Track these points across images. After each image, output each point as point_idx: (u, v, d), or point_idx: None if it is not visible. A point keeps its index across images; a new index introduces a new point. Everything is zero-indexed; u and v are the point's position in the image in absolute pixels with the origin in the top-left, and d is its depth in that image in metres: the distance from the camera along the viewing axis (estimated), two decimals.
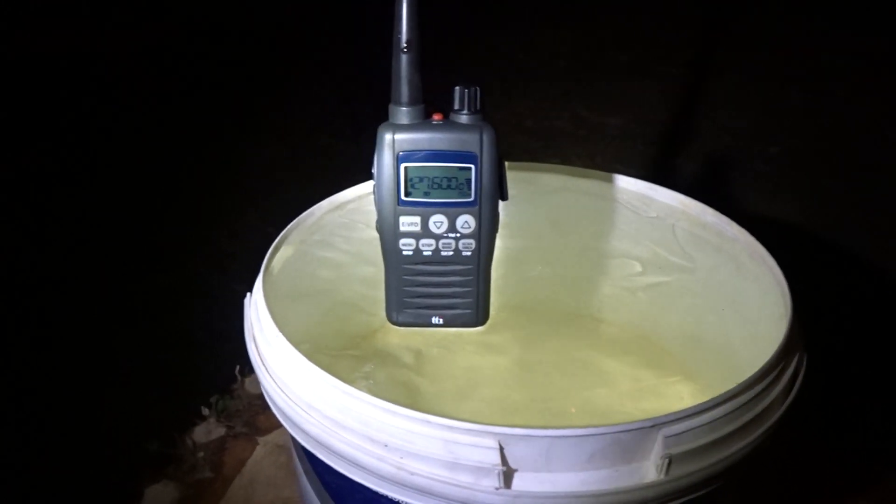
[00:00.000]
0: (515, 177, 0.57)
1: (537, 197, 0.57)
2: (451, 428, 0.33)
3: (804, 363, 0.40)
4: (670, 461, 0.33)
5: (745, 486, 0.45)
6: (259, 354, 0.41)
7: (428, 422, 0.33)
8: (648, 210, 0.56)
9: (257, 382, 0.78)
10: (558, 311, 0.45)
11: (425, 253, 0.39)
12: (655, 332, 0.43)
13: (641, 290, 0.47)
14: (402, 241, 0.39)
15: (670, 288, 0.47)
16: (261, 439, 0.70)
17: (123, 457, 0.71)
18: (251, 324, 0.43)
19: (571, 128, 1.32)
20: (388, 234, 0.39)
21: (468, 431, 0.33)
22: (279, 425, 0.72)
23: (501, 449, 0.33)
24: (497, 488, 0.33)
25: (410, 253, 0.39)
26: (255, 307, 0.43)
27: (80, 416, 0.78)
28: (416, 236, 0.39)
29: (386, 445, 0.34)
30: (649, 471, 0.33)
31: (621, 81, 1.42)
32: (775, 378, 0.37)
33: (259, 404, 0.74)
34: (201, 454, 0.68)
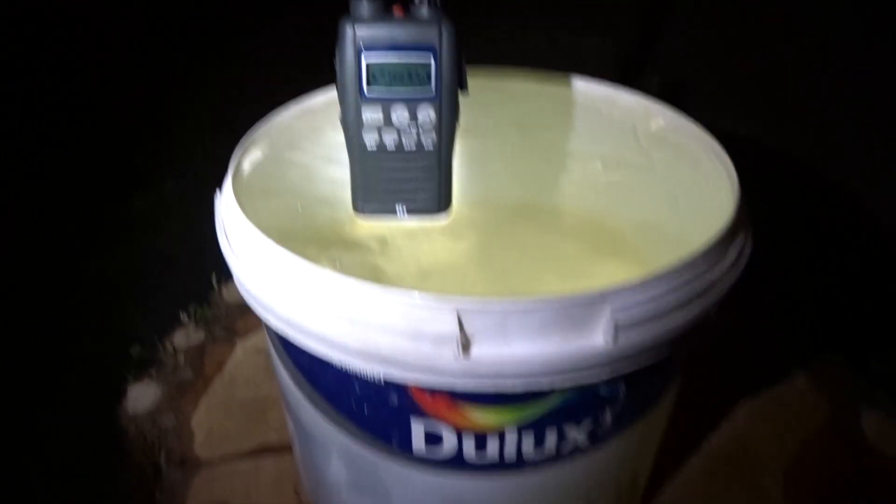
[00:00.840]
0: (484, 83, 0.58)
1: (505, 101, 0.59)
2: (412, 301, 0.35)
3: (747, 247, 0.43)
4: (617, 330, 0.36)
5: (694, 360, 0.49)
6: (230, 245, 0.42)
7: (391, 295, 0.35)
8: (612, 112, 0.57)
9: (234, 291, 0.81)
10: (520, 205, 0.47)
11: (388, 145, 0.40)
12: (613, 222, 0.45)
13: (601, 186, 0.49)
14: (366, 133, 0.40)
15: (629, 184, 0.49)
16: (239, 343, 0.73)
17: (107, 362, 0.74)
18: (222, 219, 0.44)
19: (545, 45, 1.31)
20: (352, 127, 0.41)
21: (428, 304, 0.35)
22: (257, 329, 0.75)
23: (460, 320, 0.35)
24: (456, 356, 0.35)
25: (374, 145, 0.40)
26: (225, 202, 0.44)
27: (66, 327, 0.80)
28: (379, 129, 0.40)
29: (352, 321, 0.36)
30: (598, 340, 0.36)
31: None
32: (719, 257, 0.40)
33: (236, 311, 0.77)
34: (182, 357, 0.70)
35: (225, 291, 0.79)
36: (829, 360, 0.72)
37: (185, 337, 0.73)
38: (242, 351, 0.71)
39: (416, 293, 0.35)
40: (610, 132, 0.55)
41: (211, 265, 0.82)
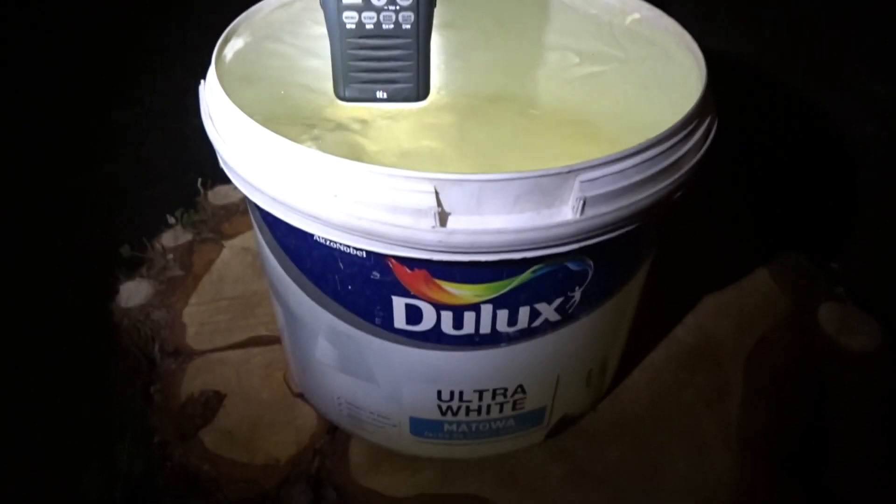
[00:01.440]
0: None
1: None
2: (392, 176, 0.37)
3: (712, 131, 0.45)
4: (584, 203, 0.38)
5: (661, 251, 0.51)
6: (215, 128, 0.44)
7: (372, 171, 0.37)
8: (588, 7, 0.58)
9: (220, 194, 0.82)
10: (498, 94, 0.48)
11: (367, 26, 0.41)
12: (587, 111, 0.47)
13: (577, 77, 0.51)
14: (345, 13, 0.41)
15: (603, 75, 0.51)
16: (227, 243, 0.74)
17: (98, 261, 0.76)
18: (207, 105, 0.46)
19: None
20: (331, 8, 0.41)
21: (407, 178, 0.37)
22: (243, 230, 0.77)
23: (437, 193, 0.37)
24: (433, 227, 0.37)
25: (353, 26, 0.41)
26: (209, 87, 0.45)
27: (54, 232, 0.82)
28: (358, 9, 0.41)
29: (335, 195, 0.38)
30: (566, 212, 0.38)
31: None
32: (684, 137, 0.42)
33: (223, 214, 0.78)
34: (171, 256, 0.72)
35: (211, 195, 0.80)
36: (791, 258, 0.75)
37: (173, 238, 0.74)
38: (230, 250, 0.74)
39: (396, 169, 0.37)
40: (587, 27, 0.56)
41: (196, 171, 0.83)
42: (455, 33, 0.53)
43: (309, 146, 0.39)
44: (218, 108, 0.44)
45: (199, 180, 0.81)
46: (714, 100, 0.46)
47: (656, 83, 0.50)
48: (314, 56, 0.50)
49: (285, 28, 0.54)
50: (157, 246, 0.73)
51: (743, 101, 0.71)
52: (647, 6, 0.56)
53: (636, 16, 0.56)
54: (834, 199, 0.78)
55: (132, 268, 0.72)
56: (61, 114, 1.02)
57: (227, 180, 0.46)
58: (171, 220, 0.78)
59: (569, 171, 0.38)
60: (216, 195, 0.80)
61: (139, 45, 1.08)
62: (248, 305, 0.68)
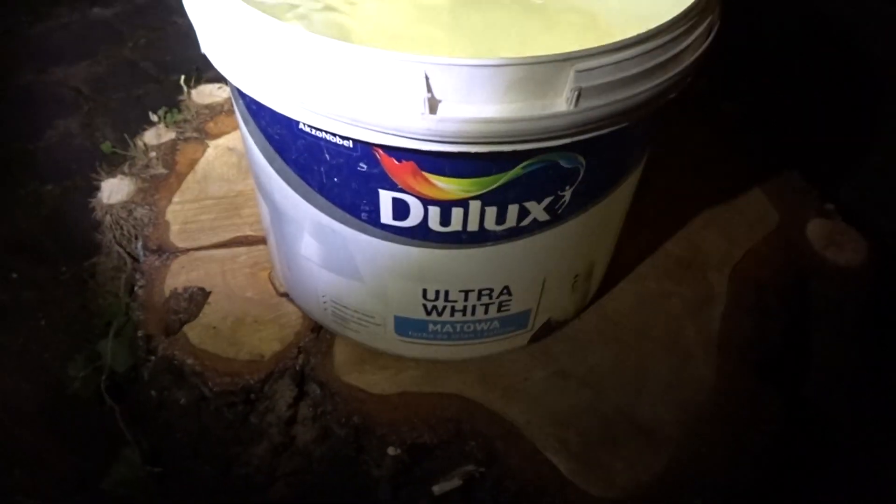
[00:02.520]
0: None
1: None
2: (381, 59, 0.35)
3: (713, 29, 0.43)
4: (579, 94, 0.37)
5: (657, 164, 0.50)
6: (198, 10, 0.42)
7: (360, 53, 0.36)
8: None
9: (204, 94, 0.79)
10: None
11: None
12: (596, 8, 0.45)
13: None
14: None
15: None
16: (211, 143, 0.73)
17: (79, 160, 0.74)
18: None
19: None
20: None
21: (397, 62, 0.35)
22: (228, 130, 0.75)
23: (427, 78, 0.36)
24: (422, 113, 0.36)
25: None
26: None
27: (39, 133, 0.80)
28: None
29: (322, 80, 0.37)
30: (560, 103, 0.37)
31: None
32: (684, 32, 0.40)
33: (207, 114, 0.76)
34: (153, 154, 0.71)
35: (195, 94, 0.78)
36: (784, 174, 0.75)
37: (155, 136, 0.72)
38: (214, 150, 0.72)
39: (384, 51, 0.35)
40: None
41: (179, 72, 0.81)
42: None
43: (295, 25, 0.37)
44: None
45: (183, 78, 0.78)
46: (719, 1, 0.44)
47: None
48: None
49: None
50: (140, 144, 0.71)
51: (748, 9, 0.69)
52: None
53: None
54: (830, 118, 0.77)
55: (114, 164, 0.71)
56: (38, 12, 0.98)
57: (211, 79, 0.44)
58: (154, 118, 0.76)
59: (564, 59, 0.36)
60: (200, 94, 0.77)
61: None
62: (233, 205, 0.67)
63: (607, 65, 0.37)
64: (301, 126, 0.41)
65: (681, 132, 0.77)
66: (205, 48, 0.43)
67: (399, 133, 0.37)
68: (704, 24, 0.42)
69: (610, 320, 0.61)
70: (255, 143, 0.47)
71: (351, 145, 0.40)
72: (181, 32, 1.02)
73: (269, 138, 0.45)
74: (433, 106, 0.36)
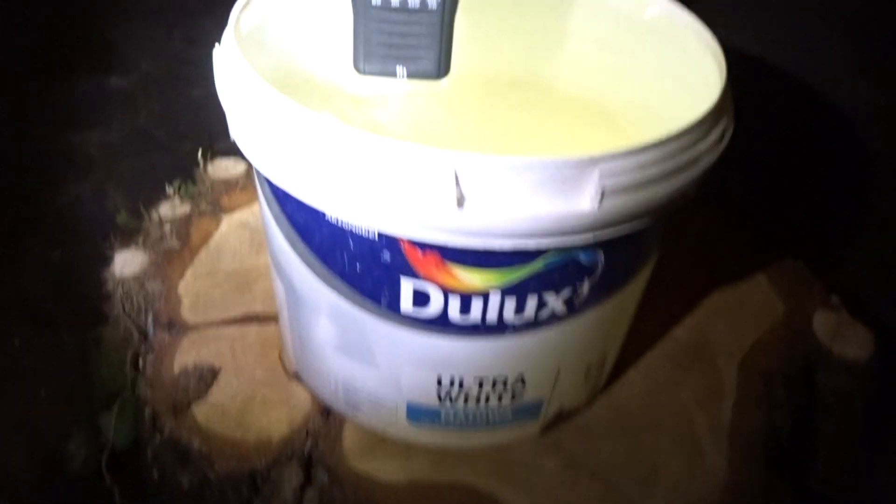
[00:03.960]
0: None
1: None
2: (411, 153, 0.36)
3: (729, 130, 0.45)
4: (603, 194, 0.38)
5: (665, 251, 0.51)
6: (229, 95, 0.43)
7: (391, 147, 0.37)
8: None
9: (220, 168, 0.81)
10: (516, 79, 0.48)
11: (393, 2, 0.40)
12: (604, 100, 0.47)
13: (595, 65, 0.50)
14: None
15: (621, 65, 0.50)
16: (225, 217, 0.73)
17: (94, 229, 0.75)
18: (221, 69, 0.45)
19: None
20: None
21: (427, 157, 0.36)
22: (242, 205, 0.76)
23: (456, 175, 0.36)
24: (449, 209, 0.37)
25: (379, 2, 0.41)
26: (226, 53, 0.44)
27: (48, 195, 0.80)
28: None
29: (350, 171, 0.38)
30: (585, 203, 0.38)
31: None
32: (703, 134, 0.41)
33: (222, 188, 0.77)
34: (168, 227, 0.71)
35: (210, 169, 0.79)
36: (789, 265, 0.76)
37: (170, 209, 0.73)
38: (228, 225, 0.72)
39: (415, 145, 0.36)
40: (607, 16, 0.55)
41: (194, 143, 0.82)
42: (476, 16, 0.52)
43: (328, 115, 0.38)
44: (234, 74, 0.43)
45: (200, 152, 0.80)
46: (731, 100, 0.46)
47: (673, 76, 0.50)
48: (335, 20, 0.49)
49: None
50: (155, 216, 0.72)
51: (751, 102, 0.71)
52: (666, 0, 0.55)
53: (655, 8, 0.56)
54: (836, 208, 0.79)
55: (128, 236, 0.71)
56: (56, 78, 1.01)
57: (227, 153, 0.45)
58: (169, 191, 0.77)
59: (590, 160, 0.37)
60: (216, 168, 0.79)
61: (136, 11, 1.06)
62: (245, 281, 0.67)
63: (631, 166, 0.38)
64: (328, 216, 0.41)
65: (686, 217, 0.78)
66: (234, 134, 0.44)
67: (426, 227, 0.38)
68: (721, 125, 0.44)
69: (620, 410, 0.61)
70: (278, 225, 0.47)
71: (376, 236, 0.41)
72: (196, 104, 1.05)
73: (293, 223, 0.45)
74: (461, 201, 0.37)
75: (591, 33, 0.53)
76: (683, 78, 0.49)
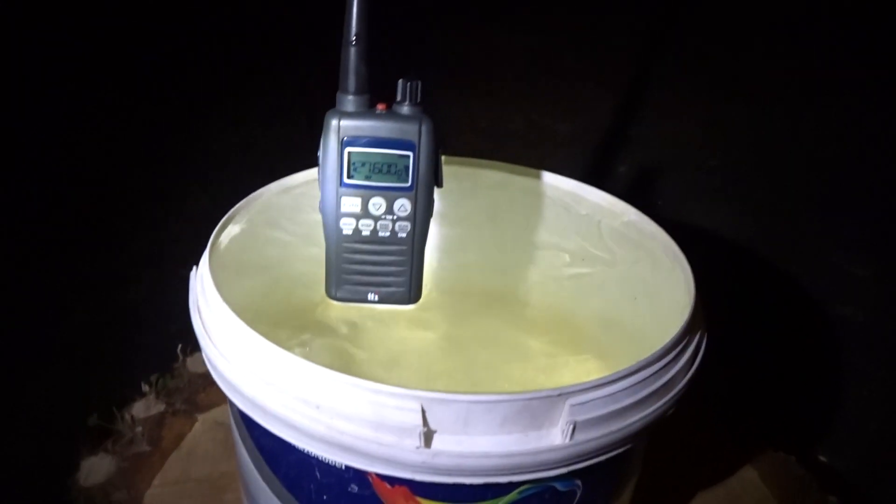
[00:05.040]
0: (458, 172, 0.61)
1: (477, 191, 0.61)
2: (378, 391, 0.36)
3: (702, 347, 0.44)
4: (574, 427, 0.37)
5: (649, 456, 0.49)
6: (202, 322, 0.43)
7: (357, 385, 0.36)
8: (579, 207, 0.60)
9: (199, 361, 0.80)
10: (487, 295, 0.48)
11: (364, 232, 0.42)
12: (575, 316, 0.47)
13: (566, 279, 0.51)
14: (343, 220, 0.42)
15: (592, 278, 0.51)
16: (200, 416, 0.71)
17: (62, 430, 0.72)
18: (196, 295, 0.45)
19: (523, 130, 1.35)
20: (330, 214, 0.42)
21: (393, 395, 0.36)
22: (218, 403, 0.74)
23: (423, 412, 0.36)
24: (417, 447, 0.36)
25: (350, 232, 0.42)
26: (201, 279, 0.45)
27: (20, 390, 0.78)
28: (356, 216, 0.42)
29: (318, 407, 0.37)
30: (556, 436, 0.37)
31: (573, 87, 1.45)
32: (674, 357, 0.41)
33: (200, 383, 0.76)
34: (139, 429, 0.69)
35: (189, 362, 0.78)
36: (781, 460, 0.73)
37: (144, 408, 0.71)
38: (202, 424, 0.70)
39: (381, 385, 0.36)
40: (576, 227, 0.57)
41: (176, 335, 0.82)
42: (447, 229, 0.54)
43: (296, 352, 0.38)
44: (206, 301, 0.43)
45: (179, 346, 0.79)
46: (703, 313, 0.46)
47: (643, 291, 0.50)
48: (312, 244, 0.50)
49: (284, 214, 0.55)
50: (127, 417, 0.70)
51: (727, 293, 0.72)
52: (635, 210, 0.57)
53: (626, 219, 0.57)
54: (823, 398, 0.77)
55: (97, 439, 0.69)
56: (43, 253, 1.01)
57: None
58: (146, 387, 0.75)
59: (559, 395, 0.37)
60: (195, 362, 0.78)
61: (141, 231, 1.09)
62: (215, 489, 0.64)
63: (601, 397, 0.38)
64: (294, 445, 0.40)
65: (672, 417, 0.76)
66: (206, 358, 0.43)
67: (393, 463, 0.37)
68: (693, 344, 0.44)
69: None
70: (246, 450, 0.46)
71: (344, 468, 0.39)
72: (182, 281, 1.05)
73: (261, 448, 0.44)
74: (428, 439, 0.36)
75: (562, 243, 0.55)
76: (653, 291, 0.50)
